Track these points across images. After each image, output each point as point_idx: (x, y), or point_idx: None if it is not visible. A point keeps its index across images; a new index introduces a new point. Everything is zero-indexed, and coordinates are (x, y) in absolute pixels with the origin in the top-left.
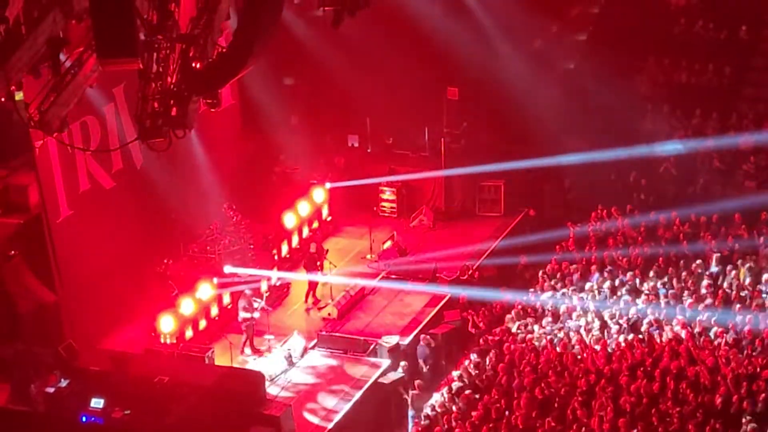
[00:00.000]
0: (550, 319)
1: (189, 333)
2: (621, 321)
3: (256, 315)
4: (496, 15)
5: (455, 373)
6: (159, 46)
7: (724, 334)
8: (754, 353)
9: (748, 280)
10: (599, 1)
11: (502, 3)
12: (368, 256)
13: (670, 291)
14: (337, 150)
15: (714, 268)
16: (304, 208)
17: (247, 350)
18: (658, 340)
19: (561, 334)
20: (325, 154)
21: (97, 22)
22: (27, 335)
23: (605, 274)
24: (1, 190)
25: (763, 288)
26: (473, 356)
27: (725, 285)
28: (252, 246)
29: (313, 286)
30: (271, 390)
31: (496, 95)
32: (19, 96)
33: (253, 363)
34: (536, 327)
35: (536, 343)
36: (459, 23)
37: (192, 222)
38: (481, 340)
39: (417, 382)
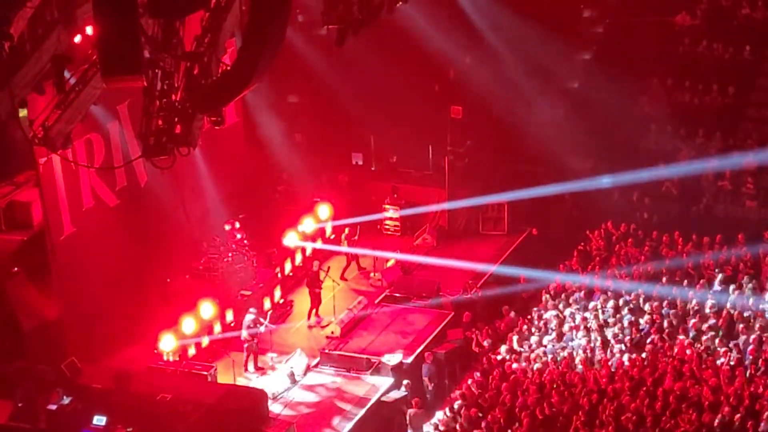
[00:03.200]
0: (553, 337)
1: (192, 351)
2: (624, 340)
3: (262, 329)
4: (500, 34)
5: (458, 392)
6: (163, 63)
7: (728, 354)
8: (757, 373)
9: (751, 301)
10: (603, 20)
11: (507, 22)
12: (372, 275)
13: (673, 311)
14: (341, 168)
15: (717, 288)
16: (307, 226)
17: (251, 367)
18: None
19: (564, 353)
20: (329, 172)
21: (102, 40)
22: (30, 352)
23: (608, 294)
24: (5, 206)
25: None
26: (476, 375)
27: (728, 305)
28: (255, 263)
29: (315, 304)
30: (274, 408)
31: (500, 114)
32: (23, 113)
33: (255, 381)
34: (540, 346)
35: (539, 362)
36: (463, 42)
37: (195, 240)
38: (484, 359)
39: (414, 400)
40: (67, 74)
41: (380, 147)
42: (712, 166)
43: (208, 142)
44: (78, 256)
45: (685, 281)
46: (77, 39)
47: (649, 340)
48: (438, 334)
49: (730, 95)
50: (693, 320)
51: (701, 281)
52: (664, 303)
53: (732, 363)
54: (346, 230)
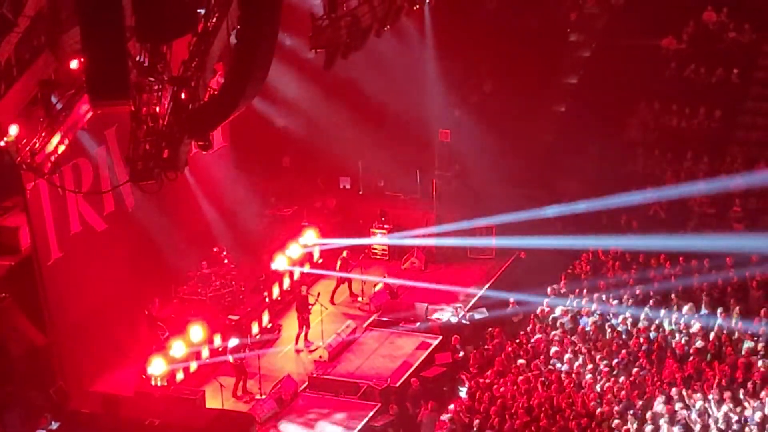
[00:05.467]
0: (541, 361)
1: (180, 375)
2: (612, 363)
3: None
4: (487, 57)
5: (446, 416)
6: (151, 88)
7: (715, 377)
8: (745, 396)
9: (739, 324)
10: (590, 44)
11: (494, 46)
12: (360, 299)
13: (661, 334)
14: (329, 192)
15: (704, 311)
16: (295, 250)
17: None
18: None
19: (552, 377)
20: (317, 196)
21: (89, 64)
22: (18, 378)
23: (596, 317)
24: None
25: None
26: (465, 399)
27: (716, 328)
28: (243, 288)
29: (304, 328)
30: None
31: (488, 138)
32: (11, 138)
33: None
34: (528, 369)
35: (527, 386)
36: (451, 66)
37: (183, 264)
38: (472, 383)
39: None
40: (54, 99)
41: (368, 171)
42: (700, 189)
43: (196, 166)
44: (66, 281)
45: (674, 304)
46: (74, 65)
47: (636, 363)
48: (426, 358)
49: (717, 119)
50: (680, 343)
51: (689, 304)
52: (652, 326)
53: (722, 385)
54: (344, 253)
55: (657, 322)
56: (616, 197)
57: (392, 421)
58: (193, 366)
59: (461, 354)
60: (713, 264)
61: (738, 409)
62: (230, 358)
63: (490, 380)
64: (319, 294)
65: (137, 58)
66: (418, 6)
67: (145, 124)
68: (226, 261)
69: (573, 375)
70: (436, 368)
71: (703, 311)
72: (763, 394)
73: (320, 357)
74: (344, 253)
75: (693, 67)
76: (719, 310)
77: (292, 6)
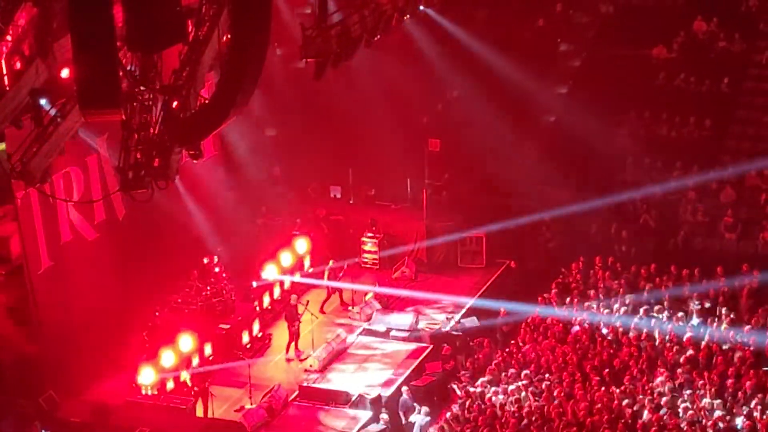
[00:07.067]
0: (531, 369)
1: (170, 384)
2: (603, 371)
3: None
4: (478, 68)
5: (436, 426)
6: (141, 97)
7: (706, 386)
8: (735, 406)
9: (730, 333)
10: (580, 54)
11: (484, 55)
12: (350, 308)
13: (651, 343)
14: (319, 201)
15: (695, 320)
16: (285, 259)
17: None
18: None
19: (543, 386)
20: (308, 205)
21: (80, 73)
22: (8, 386)
23: (586, 326)
24: None
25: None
26: (455, 408)
27: (707, 337)
28: (233, 297)
29: (294, 337)
30: None
31: (478, 146)
32: (1, 147)
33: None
34: (518, 379)
35: (518, 395)
36: (441, 75)
37: (174, 273)
38: (462, 392)
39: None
40: (45, 107)
41: (358, 180)
42: (690, 198)
43: (187, 175)
44: (56, 290)
45: (664, 314)
46: (65, 74)
47: (627, 373)
48: (416, 367)
49: (707, 128)
50: (671, 352)
51: (679, 314)
52: (642, 336)
53: (711, 394)
54: (331, 262)
55: (647, 331)
56: (605, 206)
57: (383, 430)
58: (184, 375)
59: (452, 363)
60: (704, 273)
61: (728, 418)
62: (187, 376)
63: (480, 389)
64: (308, 302)
65: (128, 68)
66: (408, 16)
67: (136, 133)
68: (216, 270)
69: (563, 384)
70: (426, 377)
71: (694, 320)
72: (753, 402)
73: (310, 366)
74: (331, 263)
75: (683, 77)
76: (710, 319)
77: (283, 16)
